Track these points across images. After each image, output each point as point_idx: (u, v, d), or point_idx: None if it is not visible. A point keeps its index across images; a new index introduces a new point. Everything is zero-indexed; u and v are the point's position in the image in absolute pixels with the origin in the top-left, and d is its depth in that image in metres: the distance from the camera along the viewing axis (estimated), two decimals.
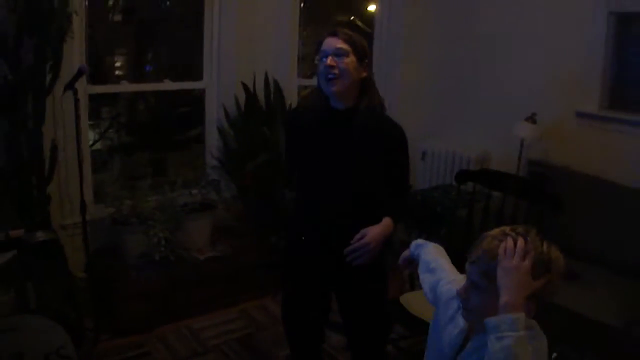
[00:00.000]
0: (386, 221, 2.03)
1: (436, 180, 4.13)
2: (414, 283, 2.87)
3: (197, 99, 3.88)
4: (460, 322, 1.37)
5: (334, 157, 2.02)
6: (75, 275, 3.08)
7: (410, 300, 2.64)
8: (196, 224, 3.42)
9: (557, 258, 1.23)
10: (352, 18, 4.81)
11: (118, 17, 3.92)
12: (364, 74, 1.99)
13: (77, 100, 2.63)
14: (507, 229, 1.25)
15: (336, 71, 1.92)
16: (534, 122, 3.45)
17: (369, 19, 4.43)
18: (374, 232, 1.99)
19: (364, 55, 1.98)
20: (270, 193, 3.69)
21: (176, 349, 2.98)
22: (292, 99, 3.97)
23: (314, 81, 4.09)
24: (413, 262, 1.70)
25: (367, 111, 1.99)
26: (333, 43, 1.94)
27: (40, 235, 2.51)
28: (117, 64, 4.04)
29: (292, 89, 4.02)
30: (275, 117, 3.77)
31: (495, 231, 1.26)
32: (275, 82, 3.80)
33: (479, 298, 1.24)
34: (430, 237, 3.54)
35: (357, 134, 1.98)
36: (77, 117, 2.65)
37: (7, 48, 2.53)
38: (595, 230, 3.05)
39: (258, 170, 3.53)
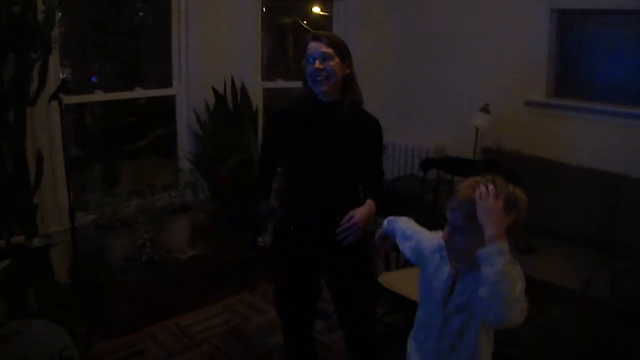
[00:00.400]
0: (369, 203, 2.23)
1: (398, 172, 4.38)
2: (389, 265, 3.10)
3: (142, 108, 3.93)
4: (446, 269, 1.60)
5: (320, 146, 2.19)
6: (61, 281, 3.15)
7: (388, 280, 2.85)
8: (177, 225, 3.54)
9: (522, 196, 1.48)
10: (304, 22, 4.98)
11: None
12: (347, 71, 2.19)
13: (62, 110, 2.72)
14: (478, 178, 1.49)
15: (324, 73, 2.12)
16: (488, 112, 3.73)
17: (314, 20, 4.61)
18: (361, 213, 2.18)
19: (346, 54, 2.18)
20: (244, 193, 3.85)
21: (168, 345, 3.09)
22: (257, 101, 4.14)
23: (277, 84, 4.32)
24: (388, 238, 1.90)
25: (350, 105, 2.19)
26: (318, 47, 2.13)
27: (37, 242, 2.59)
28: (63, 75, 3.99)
29: (257, 91, 4.18)
30: (244, 119, 3.93)
31: (469, 181, 1.50)
32: (242, 86, 3.96)
33: (464, 239, 1.47)
34: None
35: (342, 125, 2.18)
36: (63, 126, 2.75)
37: None
38: (547, 207, 3.33)
39: (232, 170, 3.68)
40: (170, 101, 3.92)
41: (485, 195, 1.42)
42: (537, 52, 3.69)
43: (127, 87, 3.64)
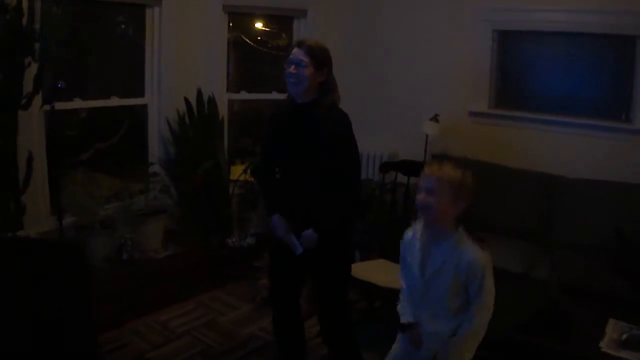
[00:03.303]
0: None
1: None
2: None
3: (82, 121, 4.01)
4: (416, 244, 2.05)
5: (296, 143, 2.44)
6: None
7: (358, 270, 3.14)
8: (151, 226, 3.72)
9: (465, 172, 2.00)
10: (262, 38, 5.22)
11: None
12: (321, 79, 2.42)
13: (53, 114, 2.89)
14: (439, 161, 2.04)
15: (295, 78, 2.37)
16: (437, 121, 4.14)
17: (255, 34, 4.85)
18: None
19: (322, 64, 2.39)
20: (213, 196, 4.08)
21: (150, 338, 3.27)
22: (223, 111, 4.38)
23: (241, 95, 4.56)
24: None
25: (324, 106, 2.42)
26: (297, 54, 2.37)
27: None
28: None
29: (223, 102, 4.43)
30: (212, 127, 4.16)
31: (434, 162, 2.04)
32: (211, 97, 4.19)
33: (434, 198, 1.95)
34: (357, 222, 4.10)
35: (314, 123, 2.40)
36: (53, 130, 2.92)
37: None
38: (493, 205, 3.72)
39: (204, 174, 3.91)
40: (111, 114, 4.01)
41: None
42: (481, 68, 4.15)
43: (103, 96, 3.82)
